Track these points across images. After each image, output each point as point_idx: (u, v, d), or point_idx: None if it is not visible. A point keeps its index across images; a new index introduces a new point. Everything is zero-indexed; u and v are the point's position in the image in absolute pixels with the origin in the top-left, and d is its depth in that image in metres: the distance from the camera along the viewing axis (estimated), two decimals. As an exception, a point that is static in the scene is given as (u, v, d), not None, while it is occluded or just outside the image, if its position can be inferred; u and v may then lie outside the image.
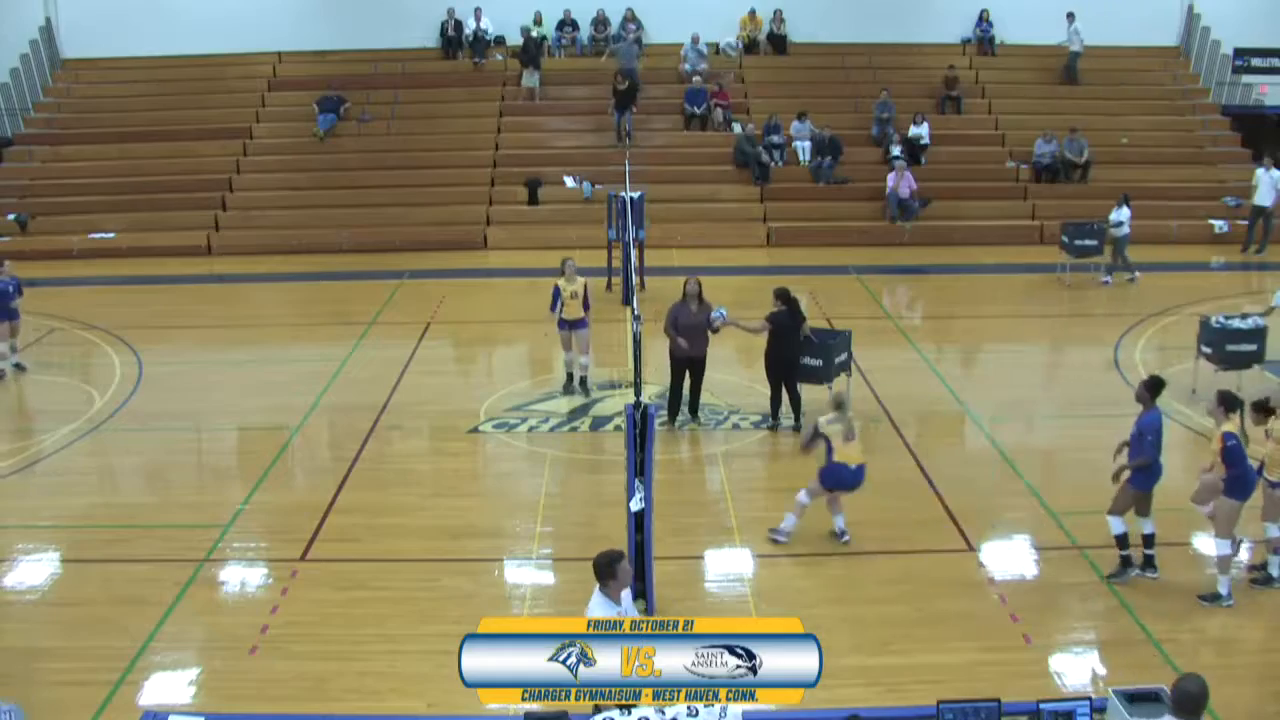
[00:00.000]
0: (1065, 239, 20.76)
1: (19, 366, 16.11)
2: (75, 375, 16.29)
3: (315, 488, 12.32)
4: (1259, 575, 9.88)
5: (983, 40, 28.88)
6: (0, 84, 26.99)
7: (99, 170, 25.53)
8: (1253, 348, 14.43)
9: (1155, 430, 9.68)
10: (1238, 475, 9.41)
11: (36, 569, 10.53)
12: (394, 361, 16.42)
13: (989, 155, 26.26)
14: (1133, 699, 6.37)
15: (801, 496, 10.70)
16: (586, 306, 14.78)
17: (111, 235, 23.82)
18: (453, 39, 28.33)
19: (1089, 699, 6.53)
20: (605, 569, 7.03)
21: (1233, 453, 9.36)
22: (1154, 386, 9.90)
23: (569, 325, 14.77)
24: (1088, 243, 20.69)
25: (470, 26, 28.20)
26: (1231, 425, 9.46)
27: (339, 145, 26.33)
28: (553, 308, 14.74)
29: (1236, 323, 14.55)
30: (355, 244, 23.89)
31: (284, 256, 23.20)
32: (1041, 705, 6.40)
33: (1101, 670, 8.74)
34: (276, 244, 23.78)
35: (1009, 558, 10.64)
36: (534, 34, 27.36)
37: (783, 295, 13.31)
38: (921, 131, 25.69)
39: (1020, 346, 17.86)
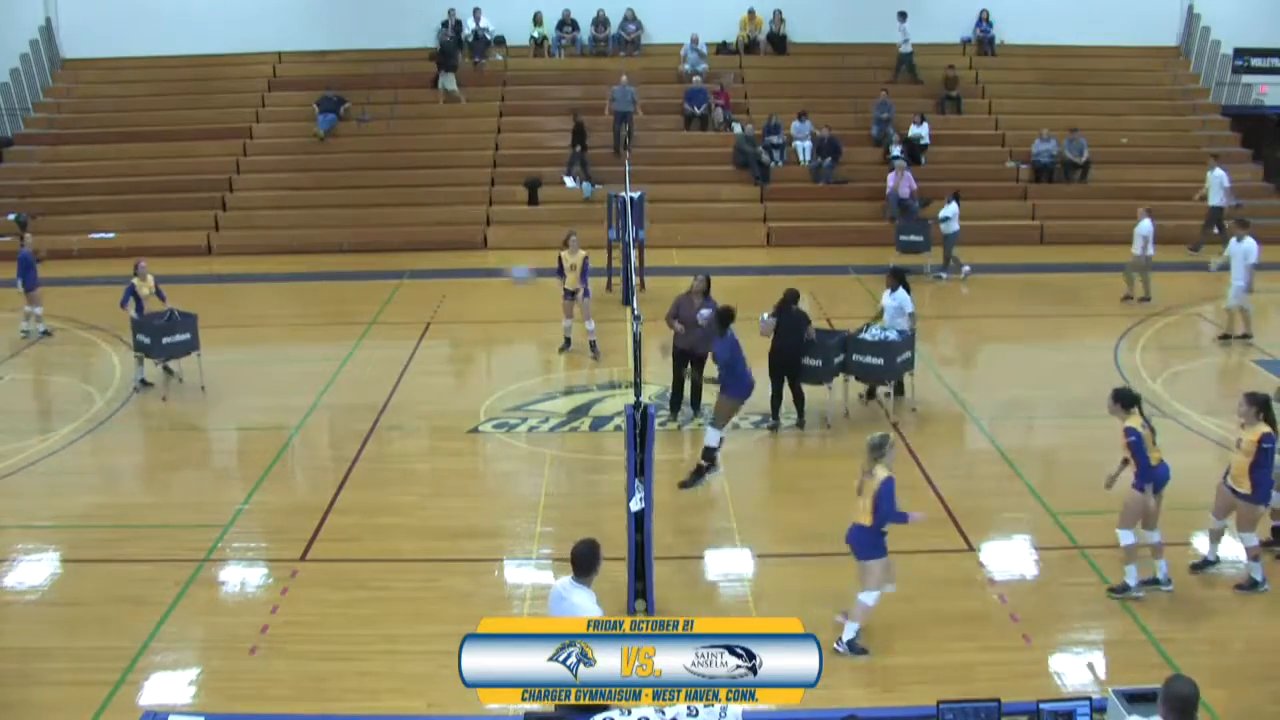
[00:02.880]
0: (896, 235, 21.00)
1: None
2: (75, 375, 16.27)
3: (315, 488, 12.33)
4: (1197, 560, 10.10)
5: (983, 40, 28.90)
6: (0, 84, 27.01)
7: (99, 170, 25.53)
8: (878, 362, 13.77)
9: None
10: (1141, 470, 9.44)
11: (36, 569, 10.53)
12: (394, 361, 16.42)
13: (989, 155, 26.27)
14: (1133, 699, 6.36)
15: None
16: (584, 279, 16.06)
17: (111, 235, 23.83)
18: (452, 39, 28.32)
19: (1089, 699, 6.54)
20: (590, 559, 6.95)
21: (1133, 448, 9.40)
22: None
23: (569, 295, 16.26)
24: (914, 239, 20.85)
25: (470, 26, 28.21)
26: (1133, 420, 9.45)
27: (339, 145, 26.34)
28: (558, 274, 16.32)
29: (869, 334, 13.97)
30: (355, 244, 23.89)
31: (284, 256, 23.19)
32: (1041, 705, 6.41)
33: (1101, 670, 8.74)
34: (276, 244, 23.78)
35: (1009, 558, 10.64)
36: (449, 37, 27.50)
37: (792, 297, 13.60)
38: (921, 131, 25.69)
39: (1019, 346, 17.87)
